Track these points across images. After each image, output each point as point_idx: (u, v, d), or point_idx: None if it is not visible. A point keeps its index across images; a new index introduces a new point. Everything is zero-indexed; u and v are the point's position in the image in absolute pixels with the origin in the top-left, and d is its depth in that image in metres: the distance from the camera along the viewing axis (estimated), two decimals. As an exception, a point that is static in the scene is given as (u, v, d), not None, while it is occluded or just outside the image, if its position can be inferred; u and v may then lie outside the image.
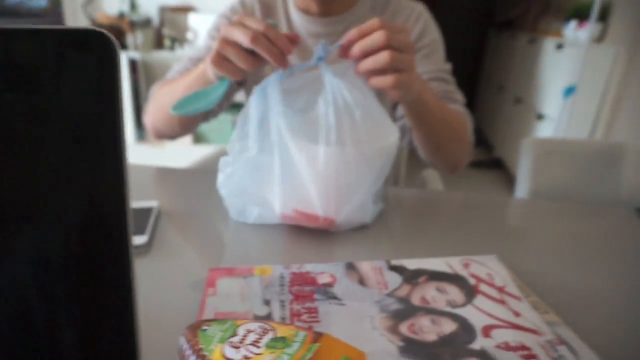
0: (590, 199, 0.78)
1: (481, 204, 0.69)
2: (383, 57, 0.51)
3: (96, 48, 0.23)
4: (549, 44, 2.51)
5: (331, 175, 0.52)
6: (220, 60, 0.56)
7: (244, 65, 0.55)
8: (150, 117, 0.82)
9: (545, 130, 2.43)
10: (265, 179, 0.55)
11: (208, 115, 0.85)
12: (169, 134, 0.83)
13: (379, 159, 0.55)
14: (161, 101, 0.77)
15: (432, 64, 0.80)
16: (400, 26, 0.54)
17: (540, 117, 2.50)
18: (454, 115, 0.73)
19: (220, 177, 0.57)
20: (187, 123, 0.78)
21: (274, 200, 0.55)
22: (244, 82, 0.89)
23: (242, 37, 0.53)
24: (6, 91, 0.23)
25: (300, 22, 0.83)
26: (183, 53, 2.53)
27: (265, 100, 0.54)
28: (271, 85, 0.54)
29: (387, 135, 0.56)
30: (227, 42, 0.55)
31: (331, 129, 0.52)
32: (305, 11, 0.83)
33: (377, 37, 0.51)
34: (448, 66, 0.82)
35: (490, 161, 3.15)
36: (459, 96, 0.80)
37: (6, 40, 0.23)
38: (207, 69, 0.61)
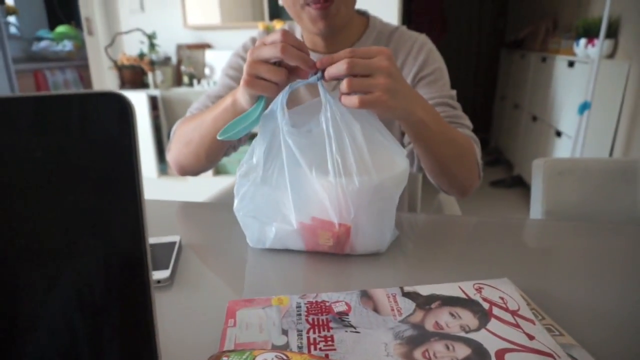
0: (605, 218, 0.77)
1: (495, 226, 0.69)
2: (344, 83, 0.55)
3: (115, 108, 0.26)
4: (560, 62, 2.51)
5: (342, 204, 0.55)
6: (253, 80, 0.60)
7: (277, 78, 0.59)
8: (174, 153, 0.84)
9: (563, 147, 2.41)
10: (279, 195, 0.58)
11: (229, 150, 0.88)
12: (194, 169, 0.85)
13: (390, 188, 0.56)
14: (187, 136, 0.80)
15: (436, 90, 0.82)
16: (377, 50, 0.57)
17: (558, 134, 2.48)
18: (459, 136, 0.74)
19: (236, 202, 0.60)
20: (213, 156, 0.81)
21: (290, 214, 0.58)
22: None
23: (271, 52, 0.57)
24: (38, 149, 0.26)
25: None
26: (201, 89, 2.62)
27: (274, 121, 0.57)
28: (279, 108, 0.57)
29: (396, 163, 0.58)
30: (256, 61, 0.59)
31: (337, 156, 0.54)
32: (312, 48, 0.87)
33: (340, 65, 0.55)
34: (453, 92, 0.84)
35: (511, 179, 3.12)
36: (466, 121, 0.81)
37: (37, 106, 0.26)
38: (239, 96, 0.65)
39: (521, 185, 3.01)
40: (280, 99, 0.58)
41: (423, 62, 0.84)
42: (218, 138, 0.62)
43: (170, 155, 0.86)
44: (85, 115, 0.26)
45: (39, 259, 0.28)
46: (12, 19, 4.19)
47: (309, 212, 0.57)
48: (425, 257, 0.60)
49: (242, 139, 0.90)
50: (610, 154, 2.24)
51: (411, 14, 3.59)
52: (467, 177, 0.75)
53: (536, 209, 0.77)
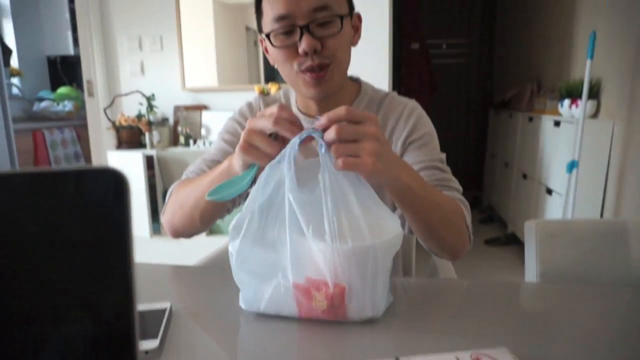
0: (600, 280, 0.77)
1: (491, 290, 0.69)
2: (333, 148, 0.58)
3: (111, 183, 0.27)
4: (546, 122, 2.60)
5: (336, 265, 0.54)
6: (248, 147, 0.63)
7: (270, 150, 0.61)
8: (169, 216, 0.85)
9: (555, 204, 2.44)
10: (275, 251, 0.58)
11: (224, 212, 0.88)
12: (187, 232, 0.85)
13: (384, 251, 0.57)
14: (182, 199, 0.81)
15: (425, 154, 0.84)
16: (365, 115, 0.60)
17: (549, 191, 2.52)
18: (447, 200, 0.74)
19: (234, 258, 0.59)
20: (207, 219, 0.81)
21: (286, 272, 0.57)
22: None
23: (265, 124, 0.61)
24: (32, 224, 0.27)
25: (303, 123, 0.90)
26: (197, 149, 2.66)
27: (279, 173, 0.59)
28: (286, 160, 0.58)
29: (389, 227, 0.58)
30: (253, 131, 0.62)
31: (332, 218, 0.55)
32: (306, 111, 0.90)
33: (330, 132, 0.58)
34: (443, 156, 0.86)
35: (505, 237, 3.12)
36: (456, 184, 0.82)
37: (35, 182, 0.27)
38: (234, 161, 0.67)
39: (516, 242, 3.00)
40: (288, 151, 0.59)
41: (413, 126, 0.87)
42: (206, 198, 0.64)
43: (165, 218, 0.86)
44: (81, 190, 0.27)
45: (27, 325, 0.28)
46: (15, 80, 4.32)
47: (303, 272, 0.57)
48: (421, 323, 0.59)
49: (236, 201, 0.91)
50: (602, 211, 2.26)
51: (400, 77, 3.75)
52: (456, 241, 0.75)
53: (531, 271, 0.77)
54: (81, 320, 0.28)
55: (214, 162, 0.88)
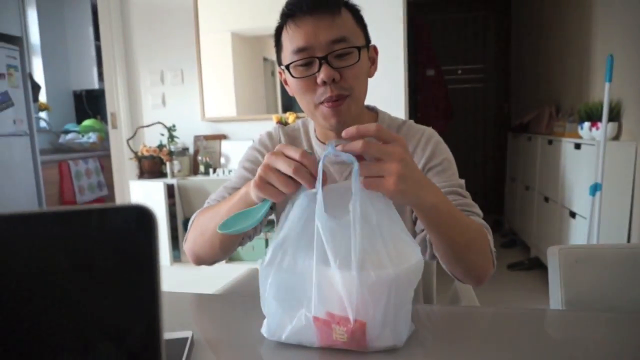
0: (627, 307, 0.75)
1: (515, 318, 0.67)
2: (358, 165, 0.58)
3: (140, 218, 0.28)
4: (567, 144, 2.57)
5: (358, 298, 0.54)
6: (264, 184, 0.63)
7: (286, 190, 0.61)
8: (191, 244, 0.86)
9: (579, 228, 2.38)
10: (301, 281, 0.58)
11: (245, 239, 0.89)
12: (209, 259, 0.86)
13: (406, 280, 0.56)
14: (203, 226, 0.82)
15: (445, 179, 0.85)
16: (393, 136, 0.60)
17: (573, 214, 2.46)
18: (472, 223, 0.74)
19: (264, 290, 0.60)
20: (227, 246, 0.82)
21: (309, 304, 0.57)
22: (274, 206, 0.95)
23: (284, 167, 0.60)
24: (70, 257, 0.28)
25: (321, 151, 0.91)
26: (217, 177, 2.71)
27: (310, 205, 0.59)
28: (318, 193, 0.59)
29: (411, 255, 0.58)
30: (270, 168, 0.62)
31: (357, 250, 0.55)
32: (325, 142, 0.91)
33: (356, 143, 0.58)
34: (462, 182, 0.87)
35: (529, 262, 3.05)
36: (477, 209, 0.82)
37: (71, 219, 0.28)
38: (250, 192, 0.68)
39: (540, 267, 2.92)
40: (318, 177, 0.59)
41: (432, 153, 0.88)
42: (218, 231, 0.64)
43: (187, 245, 0.87)
44: (113, 226, 0.28)
45: (59, 354, 0.29)
46: (43, 114, 4.50)
47: (325, 306, 0.57)
48: (444, 352, 0.58)
49: (258, 228, 0.92)
50: (629, 234, 2.20)
51: (417, 104, 3.77)
52: (481, 265, 0.74)
53: (555, 298, 0.75)
54: (110, 350, 0.29)
55: (235, 190, 0.90)
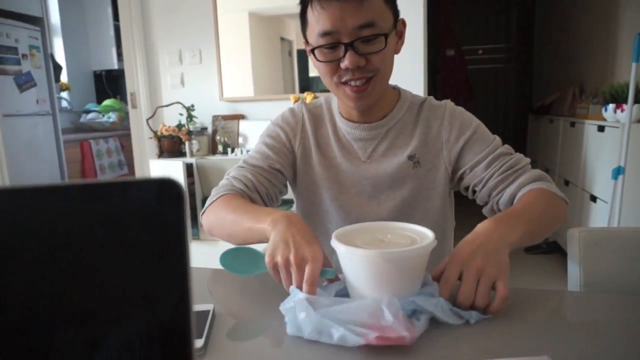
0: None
1: (532, 298, 0.67)
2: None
3: (169, 192, 0.29)
4: (590, 127, 2.51)
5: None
6: (274, 269, 0.66)
7: (289, 288, 0.63)
8: (210, 220, 0.87)
9: (599, 212, 2.35)
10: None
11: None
12: (222, 239, 0.88)
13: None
14: (223, 222, 0.84)
15: (486, 145, 0.86)
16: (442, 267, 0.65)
17: (593, 198, 2.42)
18: (541, 204, 0.77)
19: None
20: (240, 244, 0.82)
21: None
22: (294, 183, 0.97)
23: (296, 281, 0.63)
24: (100, 230, 0.29)
25: (345, 128, 0.92)
26: (235, 157, 2.73)
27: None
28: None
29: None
30: (287, 266, 0.64)
31: None
32: (348, 118, 0.92)
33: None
34: (498, 139, 0.89)
35: (547, 246, 3.02)
36: (524, 161, 0.86)
37: (102, 192, 0.29)
38: (267, 233, 0.70)
39: (558, 251, 2.90)
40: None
41: (460, 124, 0.88)
42: (220, 262, 0.70)
43: (206, 219, 0.88)
44: (143, 198, 0.29)
45: (91, 324, 0.30)
46: (64, 94, 4.57)
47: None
48: (461, 330, 0.59)
49: (274, 204, 0.94)
50: (651, 219, 2.16)
51: (436, 85, 3.71)
52: (562, 219, 0.80)
53: (574, 280, 0.75)
54: (142, 320, 0.30)
55: (255, 167, 0.91)
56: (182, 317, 0.31)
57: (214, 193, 0.89)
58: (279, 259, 0.64)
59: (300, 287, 0.61)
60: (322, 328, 0.54)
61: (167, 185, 0.30)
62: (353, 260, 0.61)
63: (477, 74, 4.30)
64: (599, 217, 2.36)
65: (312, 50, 0.81)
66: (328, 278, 0.65)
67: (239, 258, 0.71)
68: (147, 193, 0.30)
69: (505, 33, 4.44)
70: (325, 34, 0.77)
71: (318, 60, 0.81)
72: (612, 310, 0.63)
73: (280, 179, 0.94)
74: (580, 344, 0.54)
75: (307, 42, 0.84)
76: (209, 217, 0.88)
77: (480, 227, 0.66)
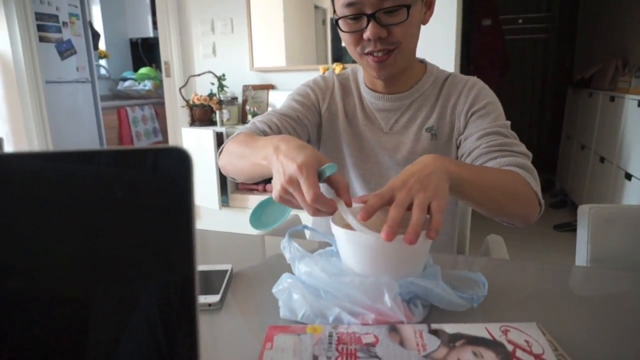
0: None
1: (536, 271, 0.69)
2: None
3: (179, 159, 0.33)
4: (630, 102, 2.41)
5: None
6: (283, 201, 0.62)
7: (305, 209, 0.59)
8: (225, 160, 0.87)
9: (633, 191, 2.28)
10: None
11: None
12: (237, 179, 0.90)
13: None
14: (237, 157, 0.81)
15: (488, 122, 0.85)
16: (381, 195, 0.57)
17: (628, 177, 2.35)
18: (504, 175, 0.73)
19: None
20: (255, 180, 0.84)
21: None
22: (317, 145, 0.99)
23: (300, 199, 0.59)
24: (117, 191, 0.34)
25: (370, 99, 0.94)
26: (263, 126, 2.78)
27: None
28: None
29: None
30: (287, 192, 0.60)
31: None
32: (373, 89, 0.94)
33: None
34: (507, 122, 0.85)
35: (577, 223, 2.96)
36: (520, 149, 0.80)
37: (114, 158, 0.34)
38: (268, 169, 0.67)
39: (589, 229, 2.84)
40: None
41: (474, 97, 0.88)
42: (250, 224, 0.72)
43: (222, 160, 0.88)
44: (157, 165, 0.34)
45: (108, 280, 0.35)
46: (103, 62, 4.70)
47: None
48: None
49: None
50: (688, 200, 2.08)
51: (470, 56, 3.60)
52: (524, 210, 0.73)
53: (581, 256, 0.76)
54: (153, 274, 0.35)
55: (282, 118, 0.92)
56: (188, 272, 0.35)
57: (235, 135, 0.88)
58: (279, 190, 0.61)
59: (307, 208, 0.59)
60: (317, 310, 0.55)
61: (179, 153, 0.34)
62: (354, 244, 0.58)
63: (515, 44, 4.14)
64: (633, 195, 2.29)
65: (337, 20, 0.82)
66: (330, 176, 0.60)
67: (266, 211, 0.72)
68: (162, 159, 0.34)
69: (547, 1, 4.22)
70: (349, 4, 0.79)
71: (342, 30, 0.83)
72: (612, 285, 0.64)
73: (305, 133, 0.95)
74: (575, 315, 0.56)
75: (335, 12, 0.86)
76: (223, 156, 0.88)
77: (422, 157, 0.62)
